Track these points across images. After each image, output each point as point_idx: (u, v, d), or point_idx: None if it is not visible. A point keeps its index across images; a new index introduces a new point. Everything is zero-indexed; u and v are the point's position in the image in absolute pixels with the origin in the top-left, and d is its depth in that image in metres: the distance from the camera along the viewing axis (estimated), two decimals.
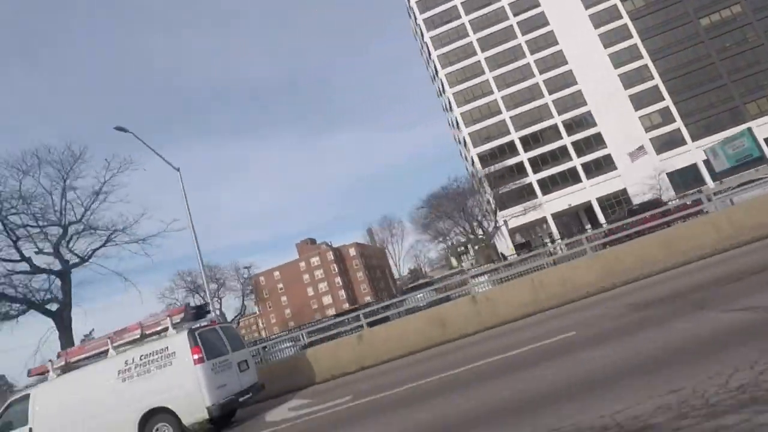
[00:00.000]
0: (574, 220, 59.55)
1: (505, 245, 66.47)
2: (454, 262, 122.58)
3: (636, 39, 55.98)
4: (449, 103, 62.29)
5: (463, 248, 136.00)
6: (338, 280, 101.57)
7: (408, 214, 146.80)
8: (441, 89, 66.65)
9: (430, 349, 11.41)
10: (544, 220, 56.27)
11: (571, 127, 56.39)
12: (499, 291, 11.99)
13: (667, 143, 53.55)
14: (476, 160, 57.73)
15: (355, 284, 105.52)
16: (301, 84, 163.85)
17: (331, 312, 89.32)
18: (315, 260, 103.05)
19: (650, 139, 54.05)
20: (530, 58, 58.37)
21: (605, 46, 56.67)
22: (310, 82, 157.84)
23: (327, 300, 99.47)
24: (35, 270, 18.38)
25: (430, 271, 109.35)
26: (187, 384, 7.88)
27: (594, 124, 55.83)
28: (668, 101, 54.47)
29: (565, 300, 11.28)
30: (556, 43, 58.11)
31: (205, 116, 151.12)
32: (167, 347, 8.17)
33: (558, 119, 56.76)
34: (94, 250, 19.01)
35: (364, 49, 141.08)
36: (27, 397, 8.59)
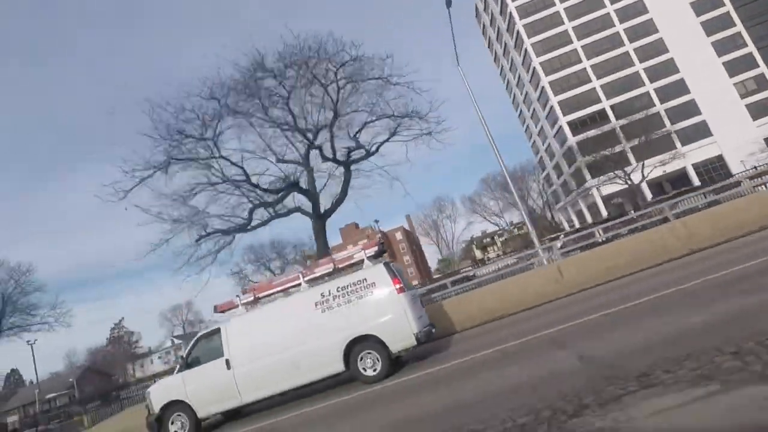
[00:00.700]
0: (657, 190, 59.16)
1: (567, 222, 66.30)
2: (479, 254, 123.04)
3: (729, 6, 55.87)
4: (533, 72, 62.13)
5: (489, 239, 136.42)
6: None
7: (459, 195, 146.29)
8: (520, 61, 66.54)
9: None
10: (636, 188, 55.91)
11: (664, 94, 56.20)
12: None
13: (763, 109, 53.39)
14: (566, 128, 57.57)
15: (402, 267, 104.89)
16: None
17: None
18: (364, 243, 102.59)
19: (746, 105, 53.91)
20: (619, 27, 58.27)
21: (697, 14, 56.56)
22: None
23: None
24: (325, 158, 18.14)
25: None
26: (391, 312, 7.86)
27: (688, 92, 55.68)
28: (763, 68, 54.33)
29: None
30: (645, 11, 58.02)
31: None
32: (365, 278, 8.12)
33: (650, 87, 56.62)
34: (380, 144, 18.63)
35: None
36: (217, 331, 8.54)
